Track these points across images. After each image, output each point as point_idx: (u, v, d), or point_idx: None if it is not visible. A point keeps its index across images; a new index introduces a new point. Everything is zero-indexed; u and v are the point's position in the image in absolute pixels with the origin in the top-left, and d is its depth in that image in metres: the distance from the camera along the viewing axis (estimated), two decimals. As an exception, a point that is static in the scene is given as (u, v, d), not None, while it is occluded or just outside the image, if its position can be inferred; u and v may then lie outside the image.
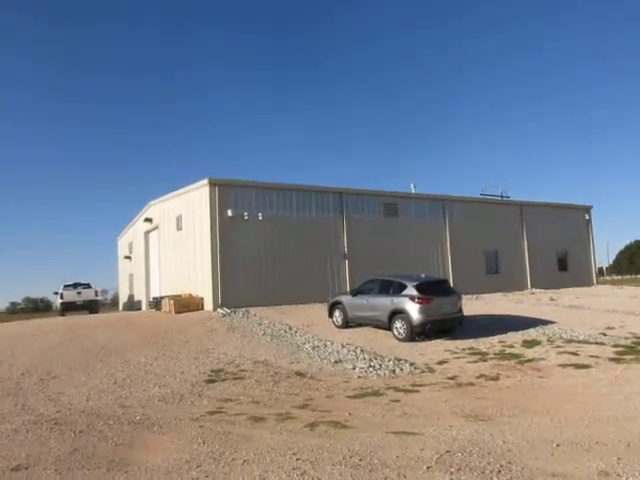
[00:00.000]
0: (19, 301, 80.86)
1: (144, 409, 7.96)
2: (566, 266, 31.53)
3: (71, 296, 28.64)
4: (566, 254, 31.62)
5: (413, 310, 13.76)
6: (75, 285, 29.52)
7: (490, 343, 13.22)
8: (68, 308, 28.43)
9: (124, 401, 8.60)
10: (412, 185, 28.74)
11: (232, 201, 20.39)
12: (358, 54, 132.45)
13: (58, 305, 29.73)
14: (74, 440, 6.47)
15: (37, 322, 22.93)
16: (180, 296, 20.87)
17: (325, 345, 13.38)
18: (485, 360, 11.39)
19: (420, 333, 13.96)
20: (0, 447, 6.32)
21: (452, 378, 9.83)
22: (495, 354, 11.92)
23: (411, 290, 14.08)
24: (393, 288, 14.75)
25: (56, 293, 29.85)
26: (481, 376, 9.82)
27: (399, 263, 22.31)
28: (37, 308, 72.19)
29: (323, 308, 18.00)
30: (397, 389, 9.02)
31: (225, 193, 20.34)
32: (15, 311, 74.37)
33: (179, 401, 8.43)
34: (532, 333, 14.28)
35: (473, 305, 20.00)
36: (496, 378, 9.60)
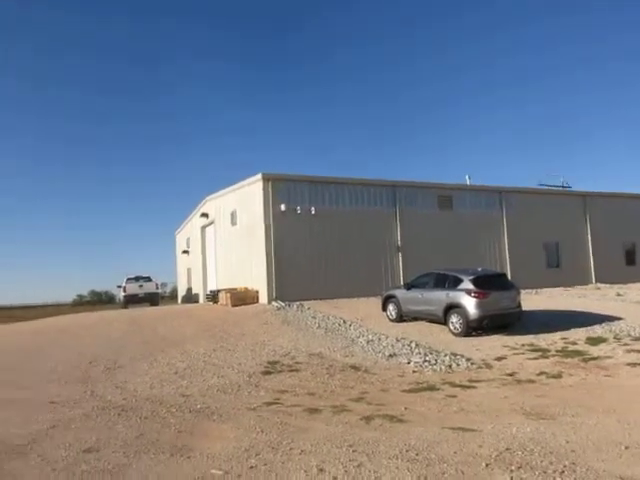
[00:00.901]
0: (85, 294, 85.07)
1: (204, 398, 8.23)
2: (634, 260, 29.96)
3: (133, 289, 29.85)
4: (634, 247, 30.04)
5: (469, 304, 13.51)
6: (137, 278, 30.75)
7: (551, 340, 12.80)
8: (131, 300, 29.66)
9: (185, 390, 8.92)
10: (467, 177, 28.14)
11: (285, 196, 20.63)
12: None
13: (121, 298, 31.06)
14: (139, 426, 6.78)
15: (102, 314, 24.09)
16: (236, 289, 21.35)
17: (379, 339, 13.36)
18: (546, 357, 11.05)
19: (477, 328, 13.70)
20: (73, 431, 6.71)
21: (511, 375, 9.60)
22: (557, 351, 11.54)
23: (467, 284, 13.83)
24: (448, 282, 14.53)
25: (119, 286, 31.17)
26: (542, 373, 9.53)
27: (454, 257, 21.94)
28: (101, 300, 75.74)
29: (377, 302, 17.96)
30: (453, 384, 8.91)
31: (278, 188, 20.60)
32: (81, 303, 78.31)
33: (237, 391, 8.66)
34: (597, 330, 13.71)
35: (533, 300, 19.40)
36: (558, 376, 9.30)
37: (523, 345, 12.32)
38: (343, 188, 22.13)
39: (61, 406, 8.13)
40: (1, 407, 8.27)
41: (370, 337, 13.61)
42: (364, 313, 17.25)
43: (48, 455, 5.73)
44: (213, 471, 4.95)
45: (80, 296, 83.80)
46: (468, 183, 27.52)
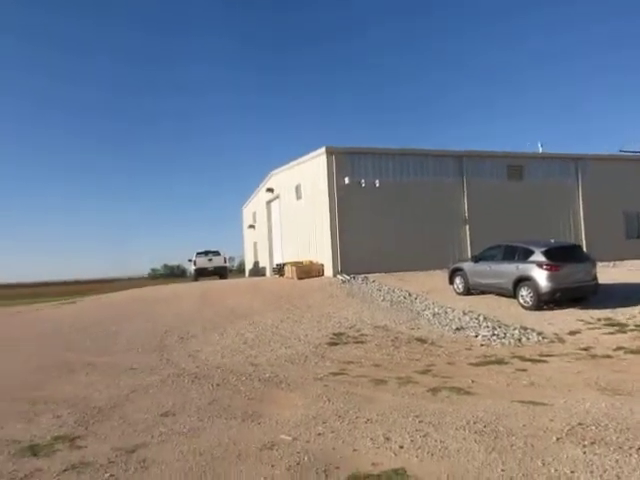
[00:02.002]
0: (159, 268, 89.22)
1: (272, 368, 8.48)
2: None
3: (203, 263, 30.94)
4: None
5: (540, 277, 13.02)
6: (206, 253, 31.84)
7: (630, 314, 12.14)
8: (201, 274, 30.80)
9: (254, 360, 9.22)
10: (539, 144, 26.81)
11: (349, 169, 20.51)
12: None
13: (192, 271, 32.28)
14: (212, 392, 7.10)
15: (174, 286, 25.20)
16: (301, 263, 21.65)
17: (445, 312, 13.18)
18: (624, 332, 10.52)
19: (548, 301, 13.21)
20: (150, 395, 7.13)
21: (585, 349, 9.23)
22: (636, 325, 10.95)
23: (539, 256, 13.31)
24: (518, 254, 14.05)
25: (190, 260, 32.38)
26: (619, 348, 9.10)
27: (524, 228, 21.07)
28: (174, 274, 79.19)
29: (443, 275, 17.68)
30: (523, 358, 8.68)
31: (342, 161, 20.49)
32: (155, 277, 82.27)
33: (304, 362, 8.85)
34: (682, 304, 12.86)
35: (610, 273, 18.41)
36: (637, 351, 8.84)
37: (599, 319, 11.78)
38: (407, 159, 21.71)
39: (140, 372, 8.65)
40: (86, 372, 8.90)
41: (436, 310, 13.46)
42: (430, 286, 17.04)
43: (129, 417, 6.14)
44: (282, 436, 5.12)
45: (154, 270, 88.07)
46: (540, 151, 26.22)
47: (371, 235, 20.47)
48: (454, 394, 6.51)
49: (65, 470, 4.57)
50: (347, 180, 20.19)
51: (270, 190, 28.53)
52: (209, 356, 9.73)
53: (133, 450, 4.98)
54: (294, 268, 20.91)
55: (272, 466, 4.41)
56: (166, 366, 9.06)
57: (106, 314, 16.65)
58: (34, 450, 5.14)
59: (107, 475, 4.42)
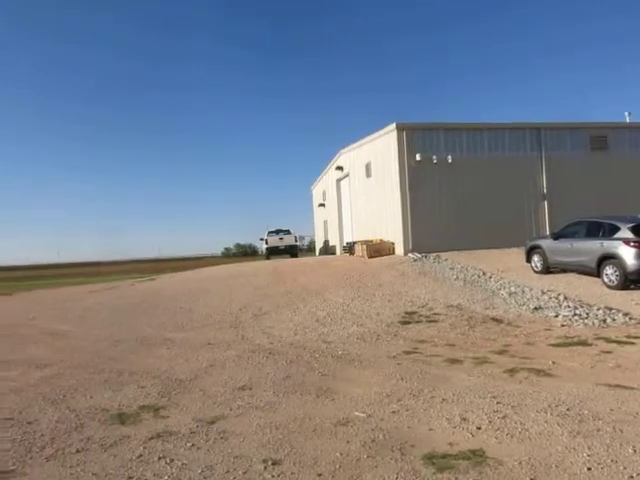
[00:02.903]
0: (231, 246, 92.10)
1: (344, 345, 8.52)
2: None
3: (275, 241, 31.53)
4: None
5: (628, 255, 12.19)
6: (277, 232, 32.40)
7: None
8: (272, 252, 31.42)
9: (326, 337, 9.31)
10: (626, 114, 24.89)
11: (420, 145, 20.02)
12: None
13: (264, 250, 32.98)
14: (286, 368, 7.24)
15: (247, 265, 25.89)
16: (372, 241, 21.53)
17: (523, 291, 12.68)
18: None
19: (636, 281, 12.37)
20: (227, 370, 7.38)
21: (679, 331, 8.59)
22: None
23: (625, 232, 12.45)
24: (603, 231, 13.21)
25: (262, 239, 33.08)
26: None
27: (609, 204, 19.72)
28: (246, 253, 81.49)
29: (519, 253, 17.00)
30: (608, 340, 8.20)
31: (413, 137, 20.03)
32: (228, 255, 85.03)
33: (376, 340, 8.83)
34: None
35: None
36: None
37: (695, 300, 10.92)
38: (482, 134, 20.86)
39: (216, 347, 8.97)
40: (167, 346, 9.34)
41: (512, 289, 12.98)
42: (505, 264, 16.44)
43: (208, 390, 6.38)
44: (356, 413, 5.14)
45: (227, 249, 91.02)
46: (627, 121, 24.36)
47: (443, 212, 19.98)
48: (533, 375, 6.26)
49: (151, 438, 4.82)
50: (418, 157, 19.74)
51: (340, 168, 28.44)
52: (282, 333, 9.92)
53: (213, 421, 5.18)
54: (364, 246, 20.83)
55: (347, 442, 4.44)
56: (241, 342, 9.34)
57: (182, 291, 17.36)
58: (122, 418, 5.46)
59: (189, 444, 4.62)
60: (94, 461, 4.38)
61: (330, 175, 31.53)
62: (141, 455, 4.45)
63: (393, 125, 20.15)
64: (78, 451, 4.64)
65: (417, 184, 19.79)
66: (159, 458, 4.36)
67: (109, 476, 4.06)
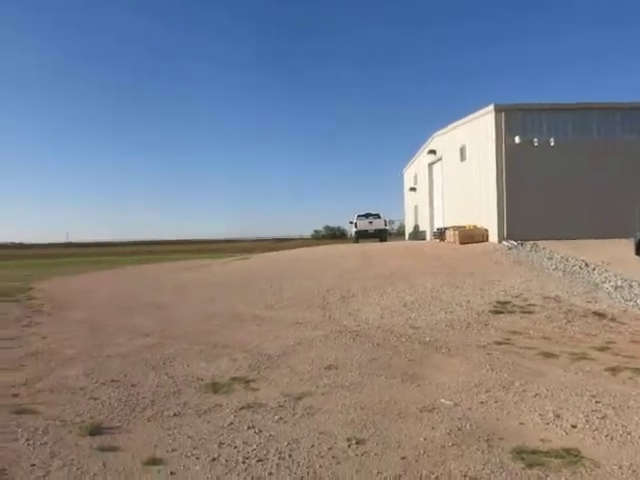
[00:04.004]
0: (321, 229, 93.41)
1: (432, 332, 8.38)
2: None
3: (364, 225, 31.50)
4: None
5: None
6: (367, 215, 32.31)
7: None
8: (361, 236, 31.43)
9: (413, 322, 9.19)
10: None
11: (520, 127, 18.96)
12: None
13: (352, 233, 33.09)
14: (372, 351, 7.26)
15: (336, 247, 26.09)
16: (464, 227, 20.86)
17: (630, 285, 11.73)
18: None
19: None
20: (315, 349, 7.53)
21: None
22: None
23: None
24: None
25: (351, 222, 33.16)
26: None
27: None
28: (335, 236, 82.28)
29: (627, 244, 15.70)
30: None
31: (512, 119, 19.00)
32: (317, 238, 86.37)
33: (465, 328, 8.59)
34: None
35: None
36: None
37: None
38: (590, 115, 19.31)
39: (304, 327, 9.17)
40: (257, 323, 9.69)
41: (618, 283, 12.04)
42: (611, 256, 15.26)
43: (295, 367, 6.55)
44: (443, 400, 5.05)
45: (316, 231, 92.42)
46: None
47: (542, 198, 18.87)
48: (639, 376, 5.80)
49: (241, 408, 5.05)
50: (517, 139, 18.71)
51: (432, 152, 27.73)
52: (369, 316, 9.93)
53: (300, 397, 5.32)
54: (456, 232, 20.25)
55: (432, 428, 4.38)
56: (328, 323, 9.47)
57: (272, 271, 17.86)
58: (215, 388, 5.76)
59: (277, 417, 4.79)
60: (189, 425, 4.67)
61: (422, 159, 30.83)
62: (232, 423, 4.68)
63: (491, 106, 19.24)
64: (175, 415, 4.96)
65: (515, 168, 18.81)
66: (248, 427, 4.56)
67: (202, 440, 4.31)
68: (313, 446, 4.12)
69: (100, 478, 3.69)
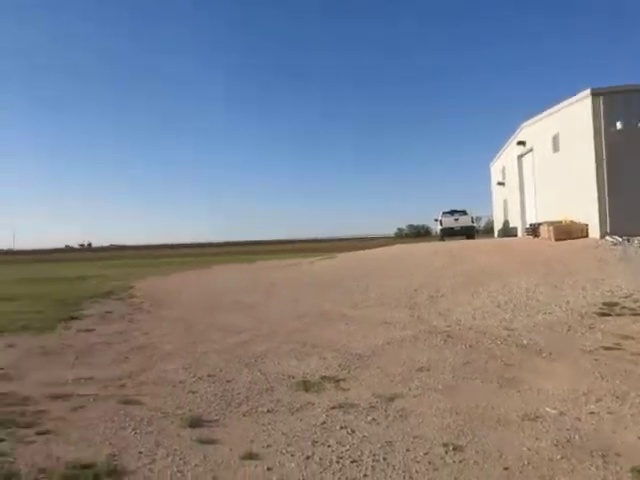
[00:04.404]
0: (404, 227, 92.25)
1: (530, 334, 7.92)
2: None
3: (449, 222, 30.63)
4: None
5: None
6: (452, 212, 31.38)
7: None
8: (447, 234, 30.58)
9: (508, 324, 8.75)
10: None
11: (622, 112, 17.47)
12: None
13: (438, 231, 32.28)
14: (465, 353, 6.98)
15: (421, 245, 25.61)
16: (560, 222, 19.65)
17: None
18: None
19: None
20: (405, 349, 7.38)
21: None
22: None
23: None
24: None
25: (436, 220, 32.37)
26: None
27: None
28: (419, 234, 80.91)
29: None
30: None
31: (612, 103, 17.55)
32: (401, 236, 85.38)
33: (567, 331, 8.04)
34: None
35: None
36: None
37: None
38: None
39: (392, 326, 9.03)
40: (345, 322, 9.68)
41: None
42: None
43: (385, 368, 6.44)
44: (547, 409, 4.73)
45: (400, 229, 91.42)
46: None
47: (651, 190, 17.31)
48: None
49: (333, 408, 5.03)
50: (619, 125, 17.27)
51: (521, 143, 26.35)
52: (460, 316, 9.59)
53: (392, 399, 5.21)
54: (551, 228, 19.11)
55: (536, 438, 4.11)
56: (417, 323, 9.25)
57: (358, 270, 17.82)
58: (306, 386, 5.79)
59: (369, 418, 4.71)
60: (283, 422, 4.72)
61: (510, 151, 29.42)
62: (324, 422, 4.67)
63: (587, 91, 17.88)
64: (269, 411, 5.03)
65: (617, 157, 17.38)
66: (341, 427, 4.52)
67: (296, 438, 4.33)
68: (408, 450, 4.01)
69: (201, 469, 3.81)
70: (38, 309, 13.33)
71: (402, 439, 4.22)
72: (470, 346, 7.35)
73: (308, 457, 3.95)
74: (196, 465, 3.88)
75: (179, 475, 3.71)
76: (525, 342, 7.44)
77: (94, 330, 10.03)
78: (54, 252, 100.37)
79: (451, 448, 4.00)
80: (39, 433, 4.54)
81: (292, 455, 4.00)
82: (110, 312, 12.53)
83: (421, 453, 3.94)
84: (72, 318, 11.51)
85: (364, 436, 4.32)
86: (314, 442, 4.24)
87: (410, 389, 5.53)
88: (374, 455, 3.94)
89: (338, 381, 5.93)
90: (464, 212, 31.25)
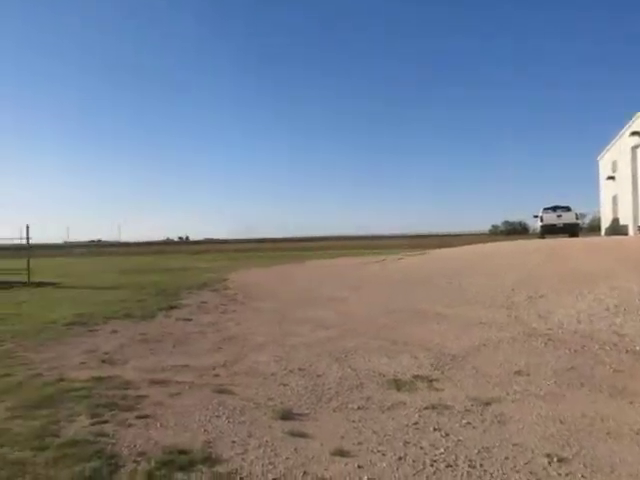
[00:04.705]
0: (499, 224, 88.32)
1: (643, 340, 7.23)
2: None
3: (551, 219, 28.91)
4: None
5: None
6: (554, 208, 29.57)
7: None
8: (548, 231, 28.90)
9: (618, 329, 8.04)
10: None
11: None
12: None
13: (537, 228, 30.59)
14: (569, 358, 6.50)
15: (518, 243, 24.43)
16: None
17: None
18: None
19: None
20: (502, 351, 7.02)
21: None
22: None
23: None
24: None
25: (536, 216, 30.68)
26: None
27: None
28: (515, 231, 77.07)
29: None
30: None
31: None
32: (495, 233, 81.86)
33: (688, 339, 7.25)
34: None
35: None
36: None
37: None
38: None
39: (488, 327, 8.62)
40: (436, 321, 9.40)
41: None
42: None
43: (481, 370, 6.16)
44: (667, 424, 4.28)
45: (494, 226, 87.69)
46: None
47: None
48: None
49: (425, 408, 4.87)
50: None
51: (636, 134, 24.26)
52: (562, 319, 8.97)
53: (488, 402, 4.96)
54: (668, 226, 17.44)
55: (654, 456, 3.72)
56: (515, 324, 8.78)
57: (449, 267, 17.29)
58: (397, 384, 5.66)
59: (464, 422, 4.51)
60: (373, 420, 4.64)
61: (623, 142, 27.18)
62: (416, 423, 4.53)
63: None
64: (359, 408, 4.98)
65: None
66: (434, 429, 4.37)
67: (387, 437, 4.23)
68: (507, 458, 3.77)
69: (292, 462, 3.83)
70: (140, 298, 14.26)
71: (500, 446, 3.99)
72: (575, 351, 6.84)
73: (400, 458, 3.85)
74: (287, 458, 3.90)
75: (270, 467, 3.75)
76: (638, 348, 6.81)
77: (191, 320, 10.53)
78: (155, 244, 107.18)
79: (555, 459, 3.72)
80: (139, 417, 4.80)
81: (383, 455, 3.91)
82: (205, 302, 13.11)
83: (521, 462, 3.69)
84: (171, 307, 12.18)
85: (459, 440, 4.13)
86: (406, 442, 4.12)
87: (508, 393, 5.24)
88: (470, 461, 3.76)
89: (431, 381, 5.75)
90: (567, 208, 29.31)
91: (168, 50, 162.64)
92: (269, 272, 24.15)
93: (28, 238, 22.67)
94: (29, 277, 21.05)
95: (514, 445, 3.99)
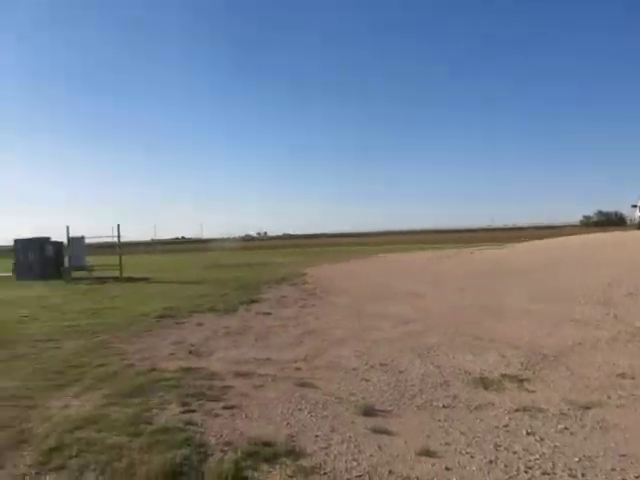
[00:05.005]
0: (591, 214, 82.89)
1: None
2: None
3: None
4: None
5: None
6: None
7: None
8: None
9: None
10: None
11: None
12: None
13: (636, 218, 28.32)
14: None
15: (615, 235, 22.78)
16: None
17: None
18: None
19: None
20: (600, 351, 6.49)
21: None
22: None
23: None
24: None
25: (634, 206, 28.44)
26: None
27: None
28: (609, 222, 71.95)
29: None
30: None
31: None
32: (587, 225, 76.91)
33: None
34: None
35: None
36: None
37: None
38: None
39: (583, 325, 8.04)
40: (524, 317, 8.90)
41: None
42: None
43: (577, 371, 5.73)
44: None
45: (586, 217, 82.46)
46: None
47: None
48: None
49: (516, 410, 4.58)
50: None
51: None
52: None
53: (587, 407, 4.58)
54: None
55: None
56: (614, 322, 8.11)
57: (534, 261, 16.43)
58: (484, 383, 5.38)
59: (561, 427, 4.19)
60: (460, 420, 4.42)
61: None
62: (507, 425, 4.27)
63: None
64: (445, 407, 4.77)
65: None
66: (527, 433, 4.09)
67: (476, 439, 4.01)
68: (614, 469, 3.43)
69: (376, 459, 3.71)
70: (223, 292, 14.67)
71: (604, 455, 3.65)
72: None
73: (491, 461, 3.62)
74: (371, 455, 3.79)
75: (354, 464, 3.66)
76: None
77: (271, 313, 10.66)
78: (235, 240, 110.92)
79: (672, 475, 3.34)
80: (225, 407, 4.87)
81: (472, 457, 3.70)
82: (285, 297, 13.26)
83: (632, 475, 3.34)
84: (252, 301, 12.41)
85: (556, 446, 3.83)
86: (497, 445, 3.88)
87: (610, 398, 4.81)
88: (570, 470, 3.46)
89: (521, 381, 5.41)
90: None
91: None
92: (346, 267, 24.12)
93: (119, 236, 24.03)
94: (121, 272, 22.34)
95: (621, 456, 3.63)
